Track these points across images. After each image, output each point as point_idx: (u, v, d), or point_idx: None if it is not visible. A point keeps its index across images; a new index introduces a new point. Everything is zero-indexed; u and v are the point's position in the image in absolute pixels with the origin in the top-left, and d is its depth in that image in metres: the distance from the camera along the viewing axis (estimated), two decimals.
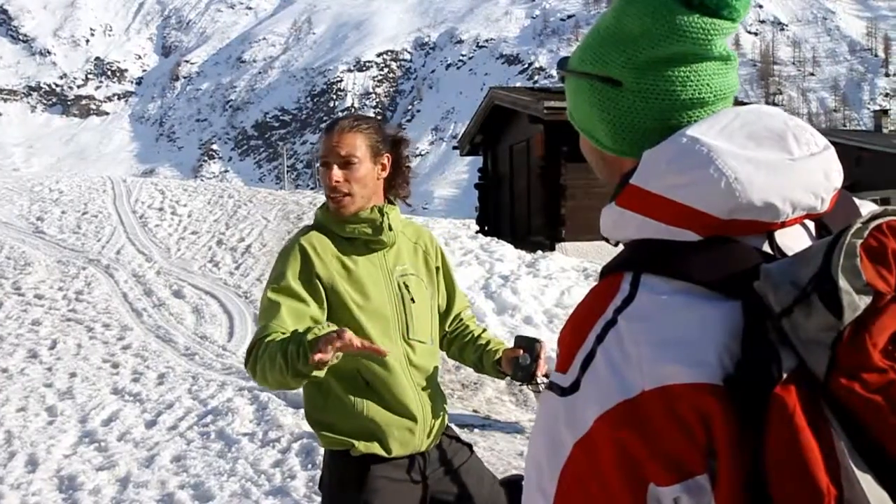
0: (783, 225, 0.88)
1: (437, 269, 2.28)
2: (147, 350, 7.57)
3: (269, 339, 1.89)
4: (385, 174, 2.14)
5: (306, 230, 2.13)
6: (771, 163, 0.87)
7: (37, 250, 12.07)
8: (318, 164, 2.16)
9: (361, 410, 2.02)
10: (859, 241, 0.77)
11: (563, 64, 1.05)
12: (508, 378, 2.22)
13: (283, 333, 1.89)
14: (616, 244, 0.98)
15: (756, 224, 0.86)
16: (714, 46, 0.93)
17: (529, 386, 2.19)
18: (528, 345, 2.11)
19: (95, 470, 4.80)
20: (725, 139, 0.88)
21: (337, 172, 2.06)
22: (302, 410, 5.64)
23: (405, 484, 2.07)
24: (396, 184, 2.19)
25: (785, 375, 0.75)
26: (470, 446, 2.27)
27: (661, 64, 0.94)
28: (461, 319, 2.37)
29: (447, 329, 2.35)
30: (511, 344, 2.22)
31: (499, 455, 4.90)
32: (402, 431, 2.05)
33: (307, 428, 5.21)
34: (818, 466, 0.73)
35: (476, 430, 5.40)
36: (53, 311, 9.04)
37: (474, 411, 5.98)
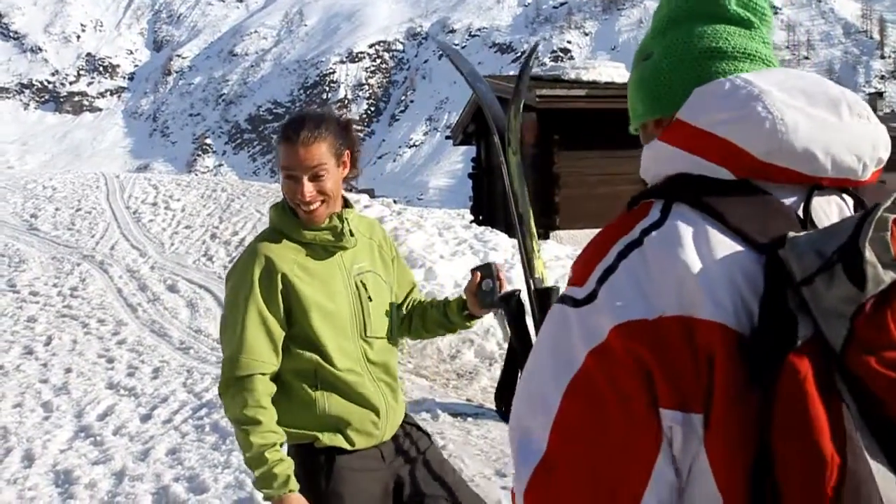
0: (821, 186, 0.88)
1: (393, 259, 2.29)
2: (142, 345, 7.59)
3: (250, 387, 1.97)
4: (346, 171, 2.12)
5: (263, 238, 2.10)
6: (819, 117, 0.87)
7: (31, 247, 12.06)
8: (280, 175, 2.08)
9: (324, 407, 2.05)
10: (892, 217, 0.76)
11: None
12: (475, 319, 2.25)
13: (262, 373, 2.00)
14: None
15: (793, 174, 0.87)
16: (728, 4, 0.98)
17: (498, 311, 2.23)
18: (485, 269, 2.18)
19: (91, 464, 4.82)
20: (778, 89, 0.88)
21: (308, 187, 2.01)
22: None
23: (371, 473, 2.10)
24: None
25: (800, 342, 0.75)
26: (429, 435, 2.30)
27: (678, 22, 1.00)
28: (415, 299, 2.39)
29: (405, 312, 2.36)
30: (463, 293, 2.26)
31: (492, 443, 4.93)
32: (366, 424, 2.09)
33: None
34: (824, 435, 0.73)
35: (469, 419, 5.43)
36: (48, 308, 9.04)
37: (468, 400, 6.01)
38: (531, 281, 1.42)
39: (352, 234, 2.11)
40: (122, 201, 15.53)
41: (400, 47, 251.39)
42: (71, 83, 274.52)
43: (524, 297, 2.03)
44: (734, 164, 0.87)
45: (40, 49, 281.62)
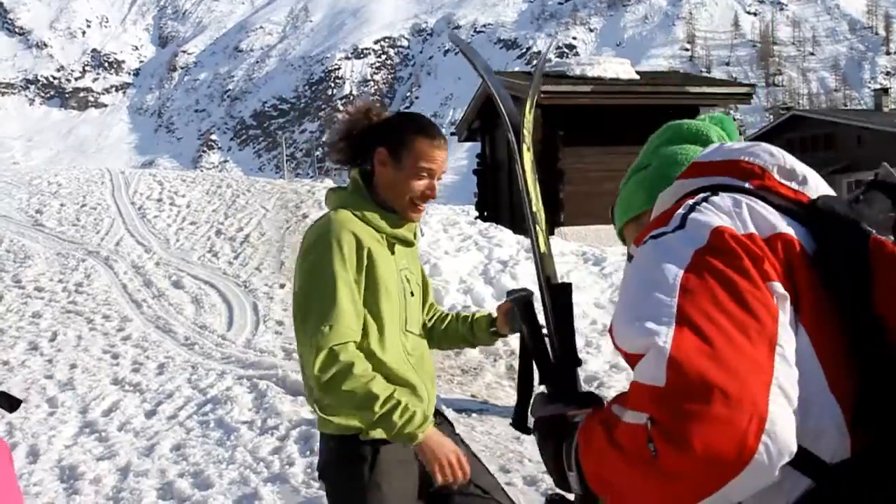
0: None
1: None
2: (147, 340, 7.60)
3: (353, 359, 1.97)
4: None
5: (346, 215, 2.11)
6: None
7: (36, 243, 12.08)
8: (410, 164, 2.14)
9: None
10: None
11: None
12: (499, 340, 2.33)
13: (355, 342, 2.01)
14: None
15: (792, 191, 1.10)
16: (711, 138, 1.33)
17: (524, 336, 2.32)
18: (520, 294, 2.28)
19: (96, 460, 4.83)
20: None
21: (434, 183, 2.18)
22: (300, 398, 5.66)
23: (409, 465, 2.12)
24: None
25: (872, 232, 0.97)
26: (451, 424, 2.36)
27: (671, 143, 1.35)
28: (434, 308, 2.46)
29: (425, 319, 2.40)
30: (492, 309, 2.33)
31: (496, 439, 4.93)
32: None
33: (305, 415, 5.23)
34: None
35: (474, 415, 5.42)
36: (53, 304, 9.06)
37: (472, 396, 6.00)
38: (545, 278, 1.42)
39: (414, 236, 2.25)
40: (128, 197, 15.54)
41: (405, 44, 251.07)
42: (76, 79, 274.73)
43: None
44: (752, 176, 1.10)
45: (45, 45, 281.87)
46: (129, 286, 9.73)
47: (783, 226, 1.00)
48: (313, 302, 2.02)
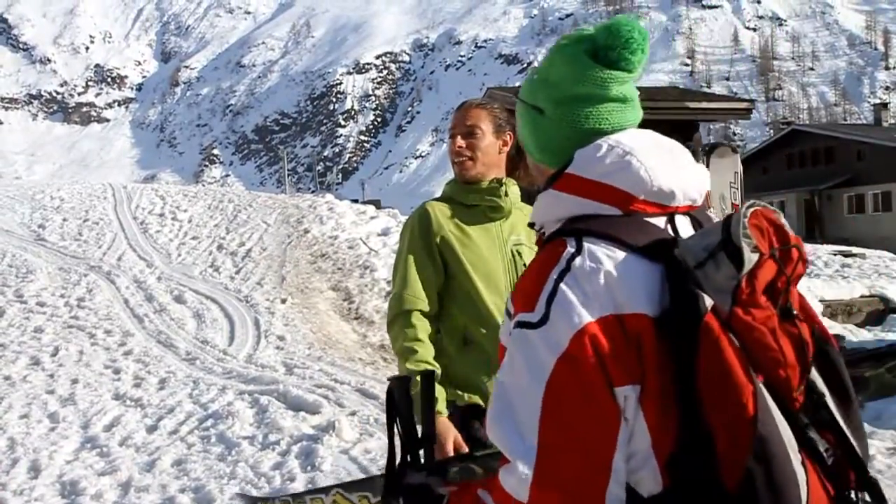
0: (677, 211, 1.22)
1: None
2: (148, 355, 7.61)
3: (411, 323, 2.25)
4: (506, 149, 2.41)
5: (430, 200, 2.45)
6: (668, 164, 1.21)
7: (38, 258, 12.11)
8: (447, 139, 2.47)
9: (468, 362, 2.28)
10: (746, 219, 1.10)
11: (517, 92, 1.36)
12: None
13: (421, 311, 2.27)
14: (540, 229, 1.27)
15: (660, 206, 1.20)
16: (610, 90, 1.25)
17: None
18: None
19: (97, 475, 4.83)
20: (639, 145, 1.21)
21: (460, 140, 2.37)
22: (301, 413, 5.67)
23: None
24: (520, 167, 2.43)
25: (708, 310, 1.06)
26: None
27: (571, 101, 1.25)
28: None
29: None
30: None
31: None
32: None
33: (307, 430, 5.25)
34: (739, 370, 1.04)
35: None
36: (55, 319, 9.07)
37: None
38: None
39: (507, 196, 2.38)
40: (130, 212, 15.59)
41: (406, 58, 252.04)
42: (79, 94, 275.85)
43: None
44: (620, 202, 1.18)
45: (49, 60, 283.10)
46: (130, 301, 9.74)
47: (637, 298, 1.09)
48: (394, 274, 2.37)
